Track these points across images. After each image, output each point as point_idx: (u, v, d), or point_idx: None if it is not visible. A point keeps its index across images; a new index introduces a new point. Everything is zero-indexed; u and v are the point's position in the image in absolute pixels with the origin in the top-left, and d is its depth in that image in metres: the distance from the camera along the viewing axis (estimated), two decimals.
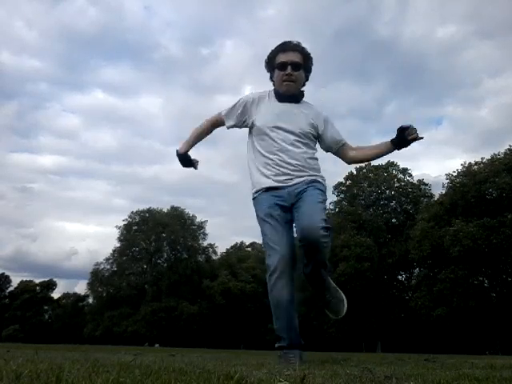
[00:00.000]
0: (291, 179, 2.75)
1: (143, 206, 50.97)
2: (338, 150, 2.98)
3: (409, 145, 2.80)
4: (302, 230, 2.58)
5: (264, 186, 2.79)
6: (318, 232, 2.51)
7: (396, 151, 2.86)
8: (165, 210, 49.74)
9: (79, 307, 56.43)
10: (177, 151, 3.01)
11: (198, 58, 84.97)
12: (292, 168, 2.76)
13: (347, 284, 34.07)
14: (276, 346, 2.74)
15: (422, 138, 2.77)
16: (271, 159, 2.78)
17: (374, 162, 40.94)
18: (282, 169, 2.76)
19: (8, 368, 1.53)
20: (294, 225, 2.76)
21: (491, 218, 28.26)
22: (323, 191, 2.84)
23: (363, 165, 40.08)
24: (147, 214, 49.07)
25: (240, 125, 2.96)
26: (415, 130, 2.75)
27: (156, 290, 46.07)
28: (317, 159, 2.92)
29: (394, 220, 39.51)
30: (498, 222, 27.93)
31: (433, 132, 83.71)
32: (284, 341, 2.69)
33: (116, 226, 48.98)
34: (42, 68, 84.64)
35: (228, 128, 3.00)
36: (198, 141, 3.07)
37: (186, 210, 50.47)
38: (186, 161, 3.02)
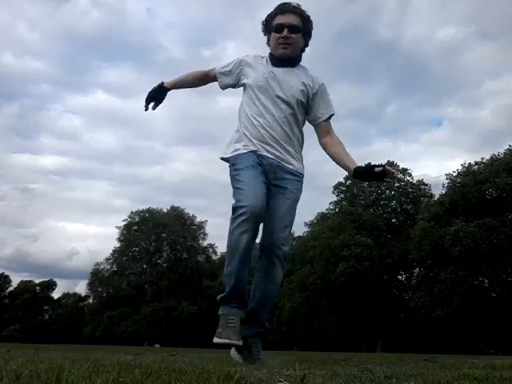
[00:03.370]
0: (274, 153, 2.61)
1: (144, 207, 50.99)
2: (316, 126, 2.78)
3: (368, 180, 2.67)
4: (264, 245, 2.60)
5: (242, 151, 2.63)
6: (278, 250, 2.56)
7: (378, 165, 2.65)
8: (165, 210, 49.77)
9: (79, 307, 56.41)
10: (159, 84, 2.88)
11: (200, 60, 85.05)
12: (277, 139, 2.62)
13: (347, 284, 34.09)
14: (217, 298, 2.53)
15: (389, 181, 2.64)
16: (258, 122, 2.64)
17: (374, 162, 40.74)
18: (266, 135, 2.61)
19: (8, 368, 1.52)
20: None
21: (491, 218, 28.24)
22: (299, 186, 2.69)
23: (363, 165, 40.01)
24: (147, 214, 49.08)
25: (233, 84, 2.83)
26: (392, 175, 2.58)
27: (156, 290, 46.07)
28: (301, 131, 2.75)
29: (393, 220, 39.49)
30: (499, 222, 27.92)
31: (433, 133, 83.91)
32: (227, 289, 2.48)
33: (116, 226, 49.06)
34: (45, 69, 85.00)
35: (221, 87, 2.85)
36: (186, 84, 2.97)
37: (186, 210, 50.59)
38: (157, 94, 2.87)
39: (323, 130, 2.77)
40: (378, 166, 2.61)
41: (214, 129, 78.47)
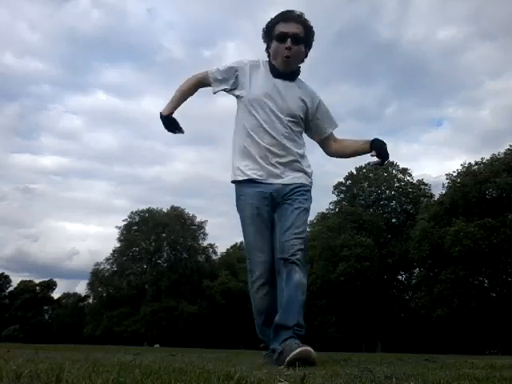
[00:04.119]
0: (278, 174, 2.58)
1: (144, 207, 50.97)
2: (322, 140, 2.80)
3: (381, 155, 2.63)
4: (278, 258, 2.55)
5: (249, 175, 2.59)
6: (292, 258, 2.52)
7: (376, 157, 2.65)
8: (164, 210, 49.75)
9: (79, 307, 56.39)
10: (160, 114, 2.76)
11: (200, 60, 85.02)
12: (281, 156, 2.59)
13: (347, 284, 34.09)
14: (261, 346, 2.74)
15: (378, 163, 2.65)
16: (260, 139, 2.58)
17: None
18: (270, 155, 2.57)
19: (8, 368, 1.52)
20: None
21: (492, 218, 28.24)
22: (308, 196, 2.67)
23: (363, 164, 40.14)
24: (147, 214, 49.05)
25: (228, 91, 2.72)
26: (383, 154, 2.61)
27: (156, 290, 46.05)
28: (303, 146, 2.73)
29: (394, 220, 39.48)
30: (499, 222, 27.91)
31: (433, 133, 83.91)
32: (268, 342, 2.61)
33: (116, 226, 49.05)
34: (45, 69, 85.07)
35: (214, 92, 2.73)
36: (184, 100, 2.82)
37: (186, 210, 50.49)
38: (170, 123, 2.77)
39: (330, 140, 2.81)
40: (386, 155, 2.64)
41: (214, 129, 78.50)
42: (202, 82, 2.78)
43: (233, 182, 2.71)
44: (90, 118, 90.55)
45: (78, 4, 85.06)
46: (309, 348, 2.21)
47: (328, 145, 2.82)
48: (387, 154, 2.62)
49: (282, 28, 2.59)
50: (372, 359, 3.80)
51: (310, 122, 2.74)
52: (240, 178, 2.64)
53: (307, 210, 2.65)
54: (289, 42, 2.57)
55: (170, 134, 2.82)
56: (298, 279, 2.48)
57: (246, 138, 2.63)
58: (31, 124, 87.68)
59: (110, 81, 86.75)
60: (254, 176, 2.60)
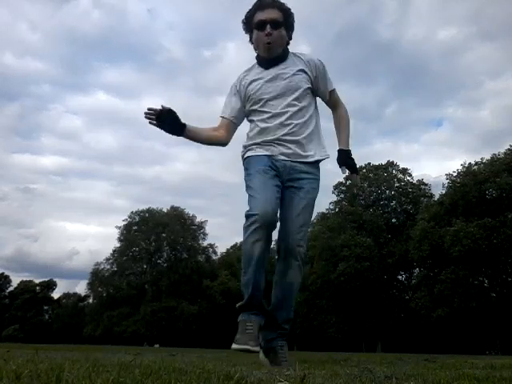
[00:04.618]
0: (288, 153, 2.60)
1: (144, 207, 51.00)
2: (325, 102, 2.83)
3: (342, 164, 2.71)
4: (279, 246, 2.58)
5: (259, 151, 2.61)
6: (294, 251, 2.54)
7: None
8: (164, 210, 49.76)
9: (79, 307, 56.41)
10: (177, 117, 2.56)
11: (201, 60, 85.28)
12: (289, 135, 2.60)
13: (347, 284, 34.10)
14: (236, 306, 2.51)
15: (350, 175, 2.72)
16: (268, 124, 2.61)
17: (374, 162, 40.87)
18: (278, 134, 2.59)
19: (8, 368, 1.52)
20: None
21: (492, 218, 28.24)
22: (316, 185, 2.68)
23: (363, 164, 40.14)
24: (147, 214, 49.07)
25: (245, 110, 2.73)
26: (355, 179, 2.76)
27: (156, 290, 46.06)
28: (313, 121, 2.71)
29: (394, 220, 39.49)
30: (499, 222, 27.92)
31: (433, 133, 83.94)
32: (244, 298, 2.47)
33: (116, 226, 49.05)
34: (45, 70, 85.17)
35: (246, 117, 2.77)
36: (202, 137, 2.71)
37: (186, 210, 50.53)
38: (172, 122, 2.55)
39: (330, 105, 2.83)
40: (353, 169, 2.72)
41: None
42: (226, 129, 2.73)
43: (243, 162, 2.73)
44: (90, 118, 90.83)
45: (78, 4, 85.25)
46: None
47: (332, 109, 2.85)
48: (354, 169, 2.72)
49: (259, 16, 2.63)
50: (372, 359, 3.81)
51: (317, 87, 2.76)
52: (249, 154, 2.67)
53: (313, 200, 2.67)
54: (268, 28, 2.60)
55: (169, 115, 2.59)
56: (293, 278, 2.55)
57: (255, 127, 2.68)
58: (31, 124, 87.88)
59: (110, 81, 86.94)
60: (265, 152, 2.62)
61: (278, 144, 2.61)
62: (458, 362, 3.25)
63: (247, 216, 2.44)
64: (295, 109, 2.63)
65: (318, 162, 2.69)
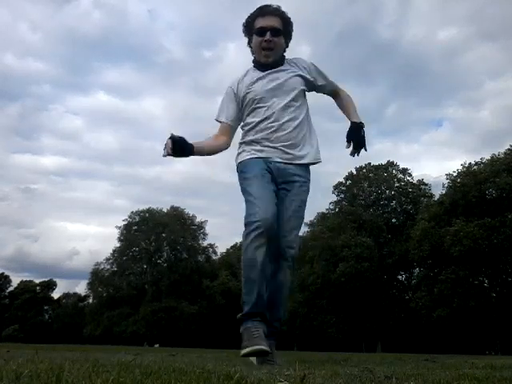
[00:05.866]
0: (281, 155, 2.63)
1: (144, 207, 50.97)
2: (325, 93, 2.91)
3: (356, 145, 2.71)
4: (270, 248, 2.54)
5: (254, 153, 2.64)
6: (285, 253, 2.59)
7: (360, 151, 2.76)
8: (164, 210, 49.73)
9: (79, 307, 56.40)
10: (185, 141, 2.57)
11: (201, 61, 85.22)
12: (283, 138, 2.63)
13: (347, 284, 34.09)
14: (238, 316, 2.48)
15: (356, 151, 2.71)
16: (261, 125, 2.65)
17: (374, 162, 40.86)
18: (272, 137, 2.63)
19: (8, 368, 1.52)
20: None
21: (491, 218, 28.24)
22: (306, 188, 2.70)
23: (363, 164, 40.16)
24: (147, 214, 49.03)
25: (242, 113, 2.78)
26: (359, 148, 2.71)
27: (156, 290, 46.04)
28: (306, 123, 2.74)
29: (394, 220, 39.49)
30: (499, 222, 27.91)
31: (433, 133, 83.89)
32: (247, 306, 2.44)
33: (116, 226, 49.03)
34: (46, 70, 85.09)
35: (240, 126, 2.81)
36: (208, 150, 2.79)
37: (186, 210, 50.49)
38: (182, 147, 2.56)
39: (331, 94, 2.91)
40: (362, 145, 2.71)
41: (215, 129, 78.40)
42: (224, 133, 2.79)
43: (237, 165, 2.75)
44: (90, 119, 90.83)
45: (79, 5, 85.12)
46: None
47: (334, 95, 2.91)
48: (361, 143, 2.70)
49: (260, 22, 2.69)
50: (372, 359, 3.81)
51: (310, 88, 2.82)
52: (243, 158, 2.69)
53: (304, 202, 2.71)
54: (268, 34, 2.66)
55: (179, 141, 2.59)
56: (284, 279, 2.61)
57: (250, 129, 2.72)
58: (32, 124, 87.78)
59: (110, 81, 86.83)
60: (260, 155, 2.65)
61: (272, 146, 2.64)
62: (458, 362, 3.25)
63: (248, 223, 2.44)
64: (290, 110, 2.67)
65: (309, 164, 2.73)
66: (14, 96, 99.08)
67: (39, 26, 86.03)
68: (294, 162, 2.65)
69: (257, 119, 2.68)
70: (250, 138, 2.70)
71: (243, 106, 2.77)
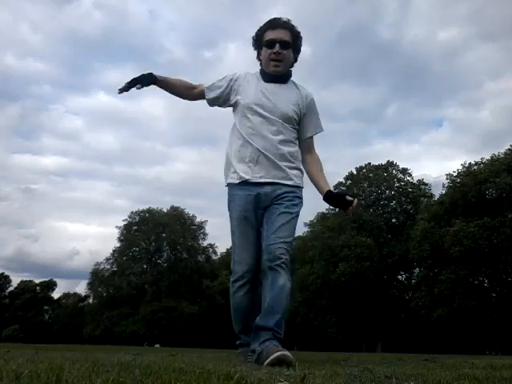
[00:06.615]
0: (268, 177, 2.63)
1: (144, 207, 50.99)
2: (301, 141, 2.81)
3: (335, 206, 2.81)
4: (263, 260, 2.58)
5: (241, 176, 2.65)
6: (277, 261, 2.53)
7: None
8: (164, 210, 49.73)
9: (79, 307, 56.38)
10: (150, 74, 2.79)
11: (202, 61, 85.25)
12: (272, 159, 2.63)
13: (347, 284, 34.09)
14: (237, 343, 2.81)
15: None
16: (252, 143, 2.64)
17: (374, 162, 40.88)
18: (261, 157, 2.63)
19: (8, 368, 1.52)
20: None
21: (491, 218, 28.23)
22: (297, 202, 2.70)
23: (363, 164, 40.15)
24: (147, 214, 49.04)
25: (222, 101, 2.80)
26: (357, 207, 2.70)
27: (156, 290, 46.04)
28: (296, 145, 2.77)
29: (394, 220, 39.49)
30: (499, 222, 27.91)
31: (433, 133, 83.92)
32: (244, 338, 2.76)
33: (116, 226, 49.04)
34: (46, 70, 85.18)
35: (209, 103, 2.82)
36: (171, 86, 2.86)
37: (186, 210, 50.51)
38: (145, 79, 2.76)
39: (305, 147, 2.83)
40: (350, 195, 2.71)
41: (215, 129, 78.33)
42: (194, 89, 2.87)
43: (226, 185, 2.80)
44: (90, 119, 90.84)
45: (79, 5, 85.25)
46: (287, 353, 2.22)
47: (302, 151, 2.81)
48: (343, 202, 2.69)
49: (270, 35, 2.70)
50: (372, 359, 3.81)
51: (300, 122, 2.78)
52: (232, 181, 2.73)
53: (296, 215, 2.68)
54: (277, 47, 2.67)
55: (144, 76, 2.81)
56: (282, 283, 2.52)
57: (239, 142, 2.71)
58: (32, 124, 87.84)
59: (111, 81, 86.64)
60: (246, 177, 2.66)
61: (260, 167, 2.64)
62: (458, 362, 3.25)
63: (233, 271, 2.68)
64: (280, 130, 2.66)
65: (297, 187, 2.73)
66: (15, 96, 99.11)
67: (40, 26, 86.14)
68: (281, 182, 2.65)
69: (247, 132, 2.67)
70: (239, 150, 2.69)
71: (229, 99, 2.78)
